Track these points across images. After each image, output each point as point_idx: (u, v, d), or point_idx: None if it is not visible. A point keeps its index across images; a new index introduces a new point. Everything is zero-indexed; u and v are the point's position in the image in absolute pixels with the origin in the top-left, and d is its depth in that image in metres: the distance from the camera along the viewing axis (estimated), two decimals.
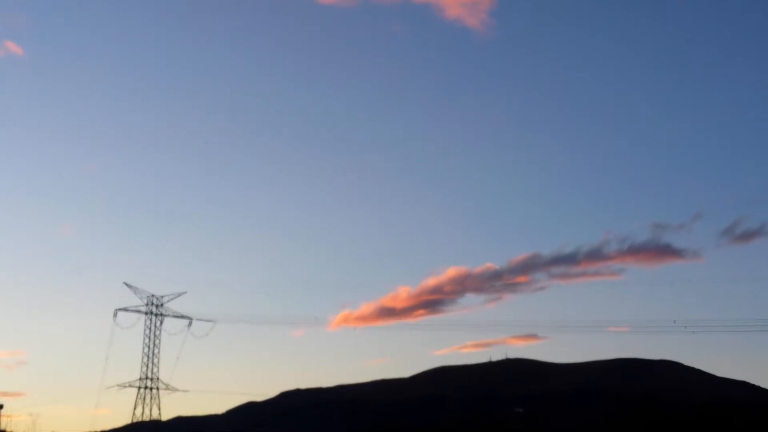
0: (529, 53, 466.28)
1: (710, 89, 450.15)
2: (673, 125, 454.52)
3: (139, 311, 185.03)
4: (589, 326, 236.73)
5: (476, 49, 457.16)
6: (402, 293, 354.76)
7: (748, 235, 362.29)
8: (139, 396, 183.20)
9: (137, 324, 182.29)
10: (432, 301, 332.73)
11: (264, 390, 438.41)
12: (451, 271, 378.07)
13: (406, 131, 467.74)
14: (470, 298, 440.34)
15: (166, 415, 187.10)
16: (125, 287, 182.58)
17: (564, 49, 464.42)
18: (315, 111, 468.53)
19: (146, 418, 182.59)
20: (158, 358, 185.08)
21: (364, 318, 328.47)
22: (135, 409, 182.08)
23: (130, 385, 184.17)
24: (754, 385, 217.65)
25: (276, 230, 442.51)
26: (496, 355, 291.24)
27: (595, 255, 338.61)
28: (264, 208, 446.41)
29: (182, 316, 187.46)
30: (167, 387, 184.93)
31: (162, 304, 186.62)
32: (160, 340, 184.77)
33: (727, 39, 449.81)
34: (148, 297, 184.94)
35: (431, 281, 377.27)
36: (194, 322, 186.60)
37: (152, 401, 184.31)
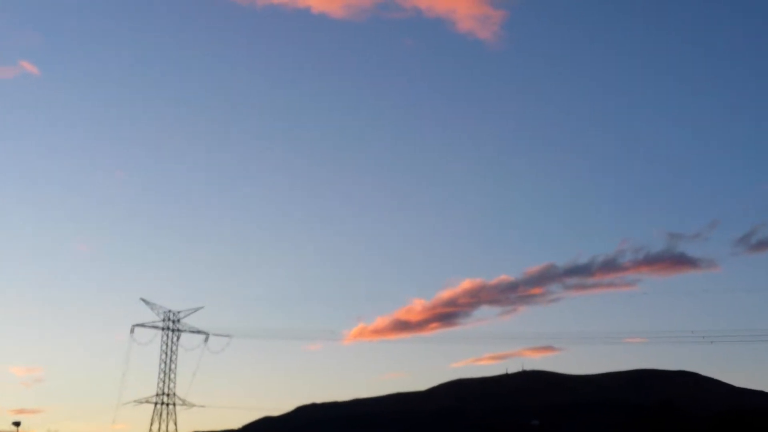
0: (541, 64, 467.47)
1: (726, 99, 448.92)
2: (689, 134, 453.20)
3: (155, 327, 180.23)
4: (605, 337, 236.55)
5: (489, 60, 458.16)
6: (416, 306, 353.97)
7: (764, 244, 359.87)
8: (155, 412, 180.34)
9: (154, 340, 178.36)
10: (447, 314, 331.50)
11: (280, 404, 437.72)
12: (466, 283, 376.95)
13: (419, 144, 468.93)
14: (485, 310, 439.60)
15: (183, 430, 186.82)
16: (142, 303, 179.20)
17: (576, 60, 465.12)
18: (329, 126, 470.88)
19: None
20: (175, 374, 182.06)
21: (378, 331, 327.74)
22: (152, 425, 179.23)
23: (147, 401, 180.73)
24: None
25: (291, 245, 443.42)
26: (513, 367, 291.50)
27: (610, 265, 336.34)
28: (279, 224, 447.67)
29: (199, 332, 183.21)
30: (184, 402, 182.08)
31: (179, 320, 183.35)
32: (176, 355, 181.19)
33: (744, 49, 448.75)
34: (164, 313, 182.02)
35: (446, 293, 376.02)
36: (211, 337, 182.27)
37: (169, 417, 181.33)
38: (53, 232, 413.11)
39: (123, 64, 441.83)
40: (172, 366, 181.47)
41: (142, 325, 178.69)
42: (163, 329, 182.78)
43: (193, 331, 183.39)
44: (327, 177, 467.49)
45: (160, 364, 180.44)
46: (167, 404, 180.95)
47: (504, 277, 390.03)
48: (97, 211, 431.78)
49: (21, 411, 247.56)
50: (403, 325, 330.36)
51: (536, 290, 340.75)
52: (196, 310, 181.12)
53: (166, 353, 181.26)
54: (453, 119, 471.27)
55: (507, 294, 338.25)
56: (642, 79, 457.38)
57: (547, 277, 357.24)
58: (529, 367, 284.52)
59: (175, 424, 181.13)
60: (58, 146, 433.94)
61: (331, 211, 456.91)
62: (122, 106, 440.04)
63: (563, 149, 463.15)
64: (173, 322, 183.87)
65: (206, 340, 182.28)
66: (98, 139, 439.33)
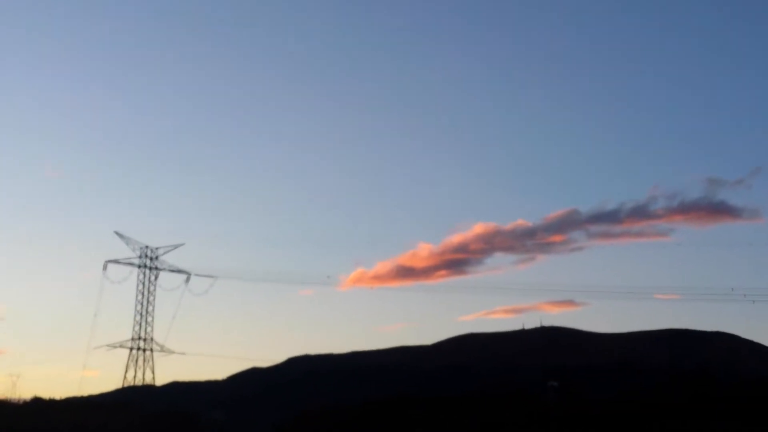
0: None
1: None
2: (730, 68, 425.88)
3: (131, 264, 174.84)
4: (632, 292, 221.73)
5: None
6: (422, 251, 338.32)
7: None
8: (131, 358, 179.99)
9: (129, 278, 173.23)
10: (456, 261, 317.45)
11: (269, 354, 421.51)
12: (478, 228, 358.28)
13: (426, 78, 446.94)
14: (499, 258, 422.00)
15: (161, 379, 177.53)
16: (116, 237, 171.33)
17: None
18: (327, 58, 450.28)
19: (139, 382, 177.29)
20: (152, 317, 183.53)
21: (379, 278, 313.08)
22: (126, 372, 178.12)
23: (121, 346, 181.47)
24: None
25: (284, 179, 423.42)
26: (529, 322, 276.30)
27: (641, 213, 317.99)
28: (271, 155, 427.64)
29: (180, 271, 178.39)
30: (162, 349, 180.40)
31: (157, 257, 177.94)
32: (154, 296, 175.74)
33: None
34: (141, 248, 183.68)
35: (455, 238, 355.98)
36: (193, 277, 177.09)
37: (145, 364, 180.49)
38: (16, 155, 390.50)
39: None
40: (150, 308, 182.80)
41: (116, 262, 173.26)
42: (139, 267, 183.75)
43: (173, 270, 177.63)
44: (322, 109, 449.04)
45: (135, 305, 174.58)
46: (143, 350, 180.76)
47: (521, 221, 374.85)
48: (70, 133, 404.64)
49: None
50: (406, 272, 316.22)
51: (557, 237, 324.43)
52: (176, 246, 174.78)
53: (143, 293, 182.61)
54: (465, 53, 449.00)
55: (524, 241, 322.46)
56: (680, 14, 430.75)
57: (569, 223, 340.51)
58: (547, 323, 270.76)
59: (152, 371, 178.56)
60: (25, 61, 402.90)
61: (328, 143, 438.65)
62: (100, 23, 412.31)
63: (591, 81, 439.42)
64: (151, 259, 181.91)
65: (187, 280, 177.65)
66: (72, 55, 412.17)
